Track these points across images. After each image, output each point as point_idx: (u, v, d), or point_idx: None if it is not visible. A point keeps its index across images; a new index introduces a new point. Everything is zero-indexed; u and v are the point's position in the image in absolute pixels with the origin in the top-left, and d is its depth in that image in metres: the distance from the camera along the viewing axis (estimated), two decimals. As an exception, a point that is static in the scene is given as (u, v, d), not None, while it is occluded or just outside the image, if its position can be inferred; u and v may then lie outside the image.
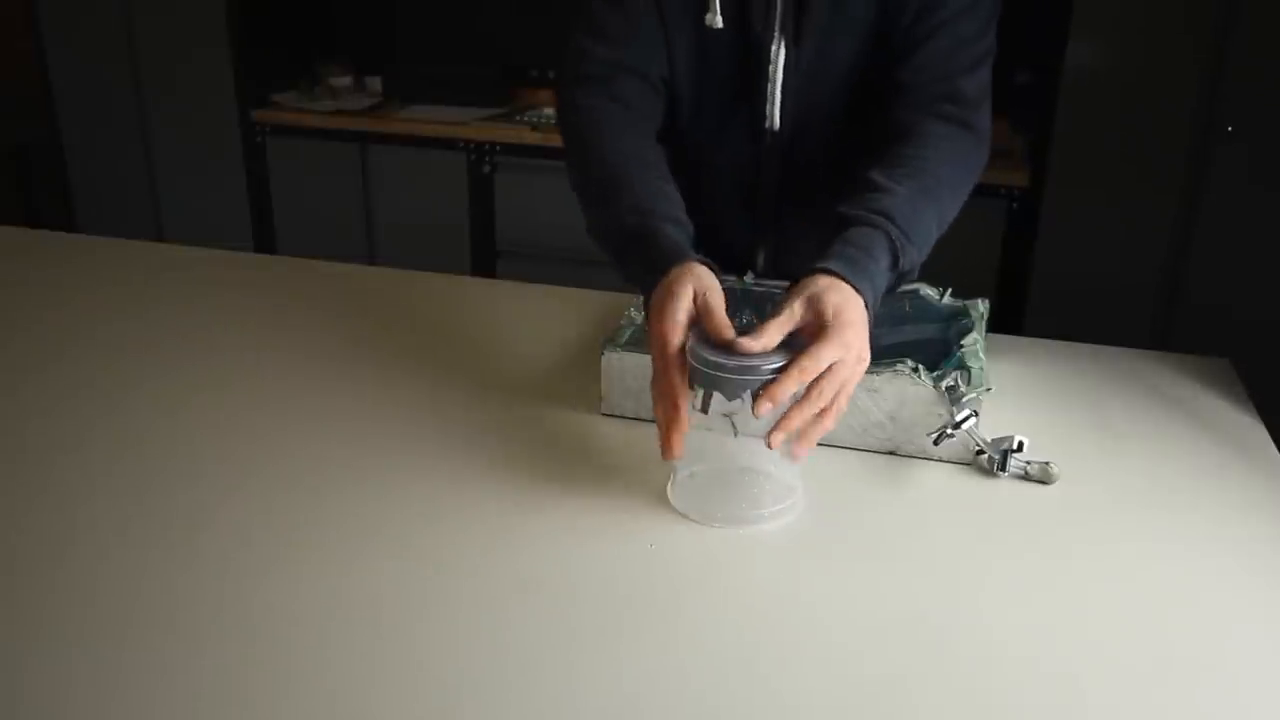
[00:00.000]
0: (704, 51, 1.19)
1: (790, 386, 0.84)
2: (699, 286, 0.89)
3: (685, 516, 0.91)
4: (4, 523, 0.88)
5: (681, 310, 0.88)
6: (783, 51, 1.16)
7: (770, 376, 0.84)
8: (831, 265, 0.91)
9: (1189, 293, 2.51)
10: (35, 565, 0.83)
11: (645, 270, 0.95)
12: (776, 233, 1.28)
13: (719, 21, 1.14)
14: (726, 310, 0.89)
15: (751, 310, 1.21)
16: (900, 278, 0.99)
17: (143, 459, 0.99)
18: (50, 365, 1.18)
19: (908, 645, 0.76)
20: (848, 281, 0.90)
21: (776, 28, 1.15)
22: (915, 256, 0.98)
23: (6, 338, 1.26)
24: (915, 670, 0.73)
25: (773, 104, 1.19)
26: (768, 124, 1.20)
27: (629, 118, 1.14)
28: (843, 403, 0.87)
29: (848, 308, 0.87)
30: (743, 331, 0.86)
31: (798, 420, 0.85)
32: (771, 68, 1.17)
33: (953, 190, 1.07)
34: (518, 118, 3.10)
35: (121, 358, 1.20)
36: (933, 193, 1.04)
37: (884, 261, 0.95)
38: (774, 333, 0.86)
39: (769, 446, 0.84)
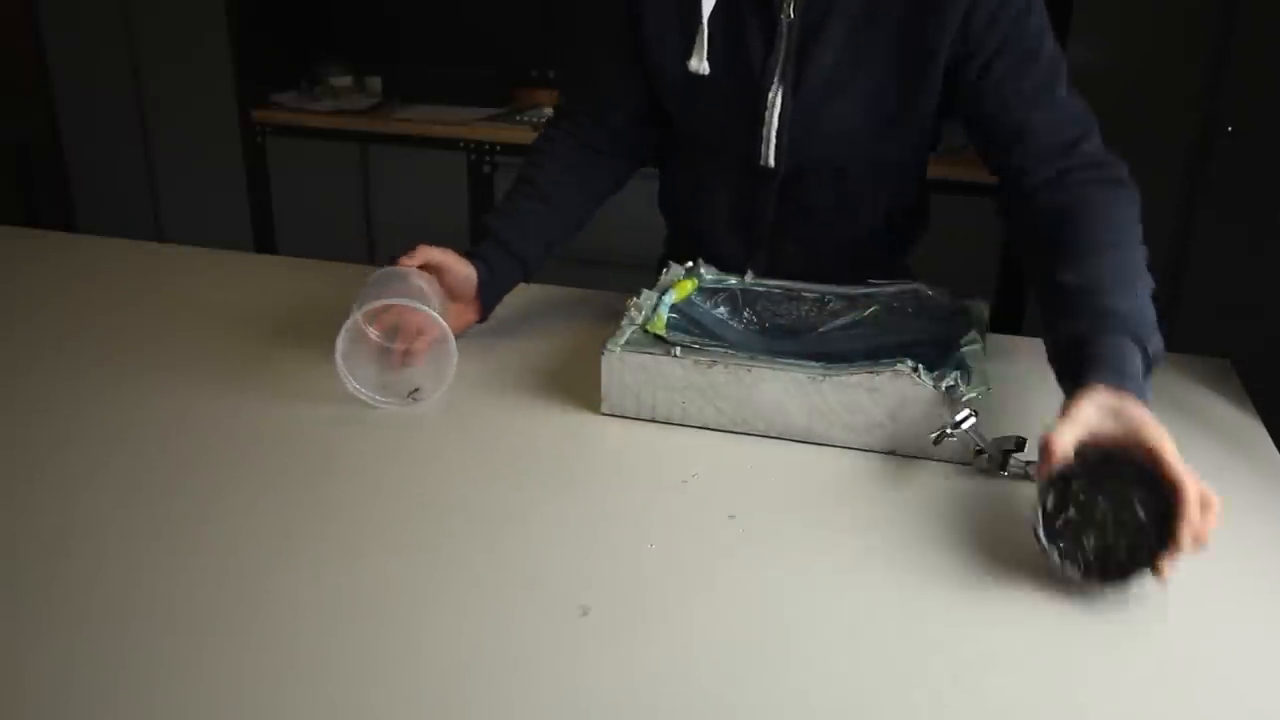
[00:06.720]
0: (697, 90, 1.19)
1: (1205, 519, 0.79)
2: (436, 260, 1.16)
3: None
4: (5, 519, 0.88)
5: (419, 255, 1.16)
6: (779, 99, 1.15)
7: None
8: (1107, 378, 0.87)
9: (1189, 293, 2.51)
10: (35, 561, 0.83)
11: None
12: (770, 255, 1.28)
13: (705, 68, 1.14)
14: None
15: (750, 309, 1.21)
16: (1149, 366, 0.93)
17: (143, 455, 0.99)
18: (50, 364, 1.18)
19: (907, 645, 0.76)
20: (1132, 394, 0.86)
21: (776, 76, 1.14)
22: (1158, 339, 0.93)
23: (6, 336, 1.26)
24: (915, 670, 0.73)
25: (767, 145, 1.18)
26: (762, 163, 1.20)
27: (568, 148, 1.29)
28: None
29: (1155, 424, 0.83)
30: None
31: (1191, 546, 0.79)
32: (767, 113, 1.16)
33: (1132, 245, 1.01)
34: (518, 118, 3.10)
35: (121, 357, 1.20)
36: (1126, 264, 0.99)
37: (1140, 365, 0.91)
38: (1068, 436, 0.83)
39: (1159, 575, 0.79)
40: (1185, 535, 0.78)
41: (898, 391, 0.99)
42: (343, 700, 0.69)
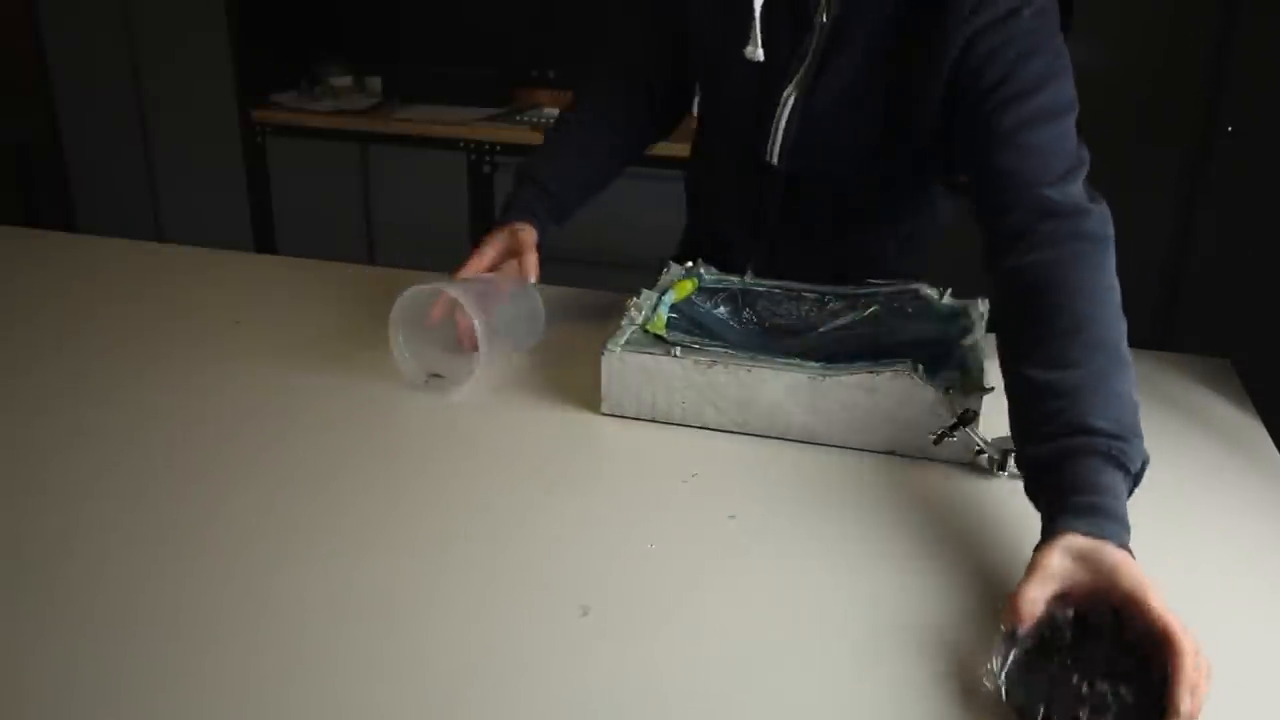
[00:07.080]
0: (722, 79, 1.22)
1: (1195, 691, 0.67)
2: (512, 243, 1.22)
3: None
4: (9, 520, 0.89)
5: (487, 250, 1.21)
6: (792, 100, 1.16)
7: None
8: (1081, 525, 0.76)
9: (1189, 293, 2.51)
10: (38, 562, 0.83)
11: (505, 207, 1.27)
12: (770, 250, 1.29)
13: (760, 55, 1.14)
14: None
15: (750, 309, 1.21)
16: (1136, 479, 0.82)
17: (145, 455, 0.99)
18: (51, 364, 1.18)
19: (907, 645, 0.76)
20: (1110, 539, 0.75)
21: (795, 78, 1.16)
22: (1139, 448, 0.82)
23: (6, 336, 1.26)
24: (915, 671, 0.73)
25: (774, 143, 1.20)
26: (768, 159, 1.21)
27: (605, 102, 1.34)
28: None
29: (1133, 568, 0.72)
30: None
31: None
32: (778, 111, 1.18)
33: (1106, 313, 0.90)
34: (518, 118, 3.10)
35: (122, 357, 1.20)
36: (1099, 348, 0.87)
37: (1121, 487, 0.80)
38: (1035, 593, 0.73)
39: None
40: (1184, 699, 0.65)
41: (898, 391, 0.99)
42: (344, 697, 0.69)
